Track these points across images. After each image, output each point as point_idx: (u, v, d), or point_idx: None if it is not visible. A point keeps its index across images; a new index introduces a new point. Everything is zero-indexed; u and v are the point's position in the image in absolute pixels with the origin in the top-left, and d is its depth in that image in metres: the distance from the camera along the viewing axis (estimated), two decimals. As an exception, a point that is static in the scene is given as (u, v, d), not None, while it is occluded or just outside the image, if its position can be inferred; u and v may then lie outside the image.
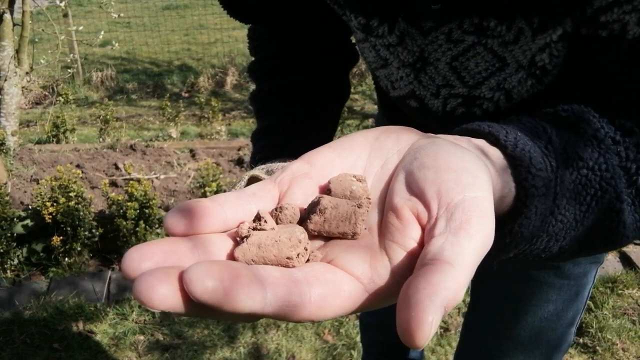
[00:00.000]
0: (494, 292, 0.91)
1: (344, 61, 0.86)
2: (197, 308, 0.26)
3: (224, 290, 0.25)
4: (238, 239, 0.31)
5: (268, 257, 0.29)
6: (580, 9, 0.48)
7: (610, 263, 2.40)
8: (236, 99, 4.89)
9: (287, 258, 0.30)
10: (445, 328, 2.08)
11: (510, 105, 0.61)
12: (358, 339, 1.98)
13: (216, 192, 2.39)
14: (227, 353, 1.94)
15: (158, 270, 0.26)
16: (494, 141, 0.39)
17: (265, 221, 0.31)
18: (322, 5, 0.71)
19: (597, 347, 1.98)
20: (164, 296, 0.25)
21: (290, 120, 0.79)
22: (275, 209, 0.33)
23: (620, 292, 2.25)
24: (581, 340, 2.02)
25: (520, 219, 0.39)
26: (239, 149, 3.26)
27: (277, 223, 0.33)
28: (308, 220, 0.32)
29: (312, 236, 0.33)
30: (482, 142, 0.38)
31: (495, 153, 0.38)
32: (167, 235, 0.31)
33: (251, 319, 0.29)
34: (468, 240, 0.28)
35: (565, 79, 0.56)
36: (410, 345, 0.25)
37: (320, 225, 0.32)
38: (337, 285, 0.29)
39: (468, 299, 0.96)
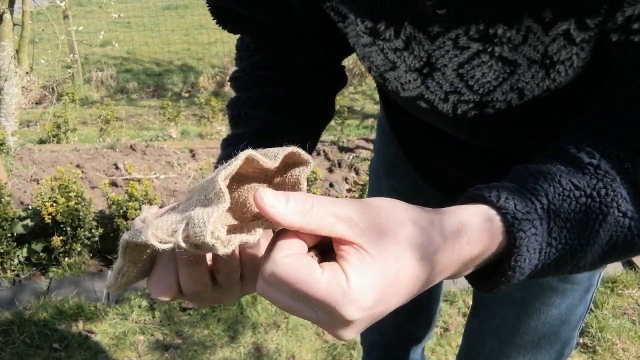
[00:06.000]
0: (497, 296, 0.89)
1: (331, 81, 0.82)
2: None
3: None
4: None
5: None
6: (587, 13, 0.49)
7: (611, 263, 2.40)
8: (236, 99, 4.88)
9: None
10: (445, 328, 2.08)
11: (522, 103, 0.61)
12: (358, 338, 1.97)
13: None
14: (227, 353, 1.94)
15: None
16: (482, 200, 0.46)
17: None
18: (315, 19, 0.69)
19: (597, 347, 1.98)
20: None
21: (265, 130, 0.74)
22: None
23: (620, 292, 2.25)
24: (581, 340, 2.02)
25: (514, 256, 0.44)
26: (239, 149, 3.25)
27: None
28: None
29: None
30: (476, 208, 0.45)
31: (483, 208, 0.45)
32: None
33: None
34: None
35: (587, 91, 0.56)
36: None
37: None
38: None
39: (470, 301, 0.96)
